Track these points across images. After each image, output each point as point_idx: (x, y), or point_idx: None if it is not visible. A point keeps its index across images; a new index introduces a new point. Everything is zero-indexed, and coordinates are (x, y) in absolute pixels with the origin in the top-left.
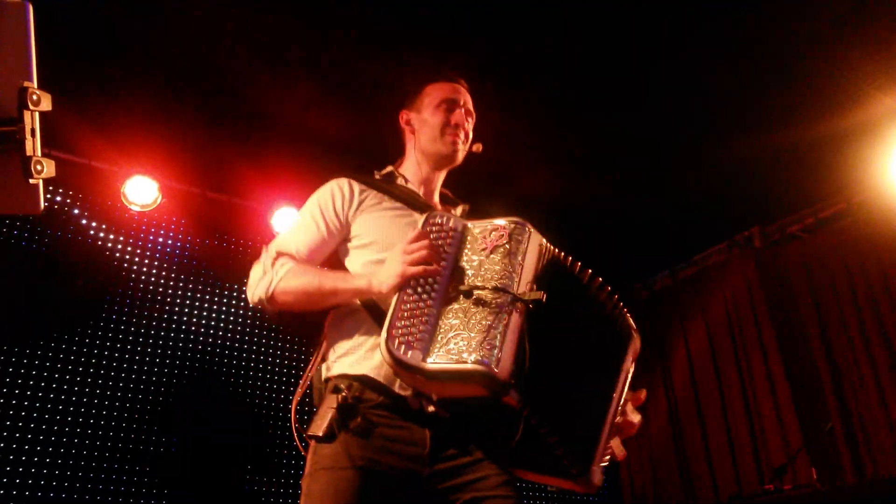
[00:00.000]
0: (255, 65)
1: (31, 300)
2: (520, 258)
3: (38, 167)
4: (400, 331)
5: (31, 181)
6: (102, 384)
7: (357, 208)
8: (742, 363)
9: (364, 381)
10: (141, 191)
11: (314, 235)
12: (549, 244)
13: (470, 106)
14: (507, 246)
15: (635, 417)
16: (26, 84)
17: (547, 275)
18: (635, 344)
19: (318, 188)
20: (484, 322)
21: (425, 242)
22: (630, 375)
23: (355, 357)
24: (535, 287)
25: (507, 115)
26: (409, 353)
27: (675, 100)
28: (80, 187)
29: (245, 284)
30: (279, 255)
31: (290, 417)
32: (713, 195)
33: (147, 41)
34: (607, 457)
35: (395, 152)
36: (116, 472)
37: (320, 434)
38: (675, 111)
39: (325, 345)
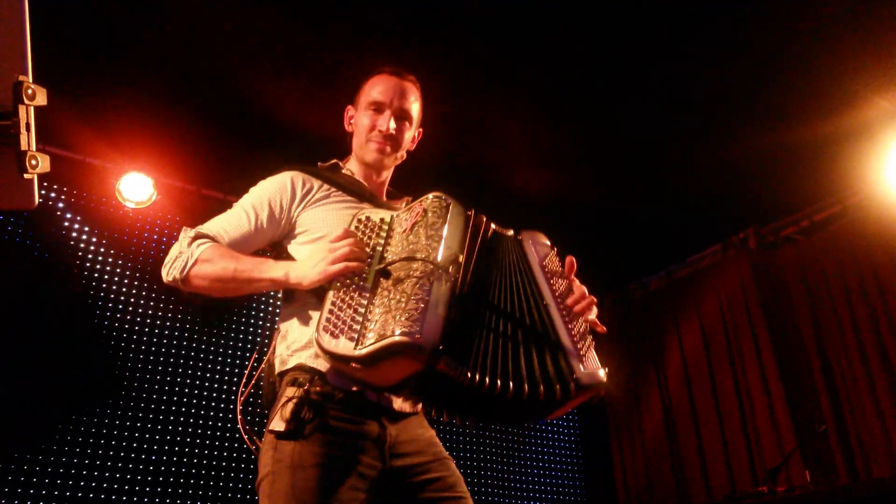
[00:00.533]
0: (251, 62)
1: (23, 297)
2: (438, 228)
3: (33, 162)
4: (328, 324)
5: (25, 176)
6: (98, 380)
7: (301, 203)
8: (736, 364)
9: (322, 376)
10: (136, 187)
11: (243, 226)
12: (472, 212)
13: (407, 106)
14: (425, 219)
15: (577, 288)
16: (21, 78)
17: (476, 244)
18: (525, 241)
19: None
20: (404, 295)
21: (350, 240)
22: (548, 264)
23: (311, 351)
24: (461, 253)
25: (501, 114)
26: (339, 343)
27: (670, 101)
28: (74, 184)
29: None
30: (198, 235)
31: (237, 416)
32: (708, 196)
33: (143, 37)
34: (590, 347)
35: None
36: (110, 471)
37: (282, 429)
38: (671, 112)
39: (277, 338)
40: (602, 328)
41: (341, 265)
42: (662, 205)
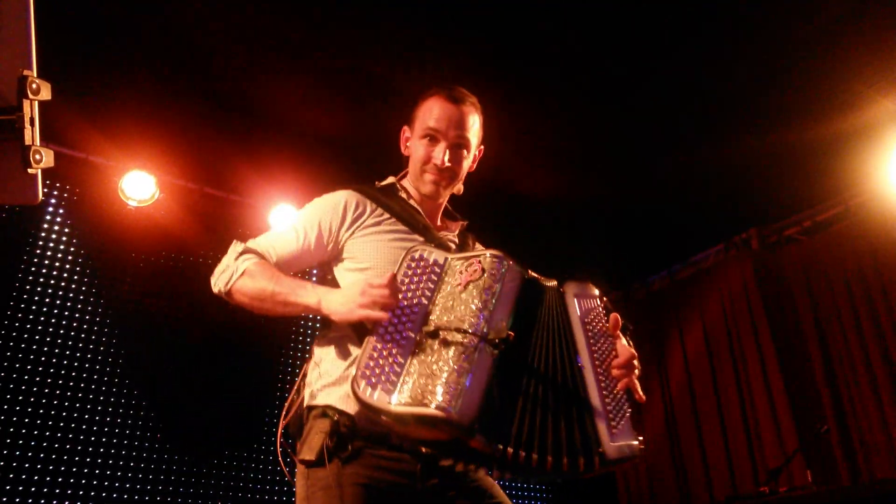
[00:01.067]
0: (254, 61)
1: (25, 292)
2: (493, 294)
3: (38, 157)
4: (367, 371)
5: (29, 171)
6: (98, 379)
7: (350, 227)
8: (739, 364)
9: (352, 419)
10: (138, 186)
11: (290, 245)
12: (529, 274)
13: (465, 135)
14: (481, 281)
15: (622, 349)
16: (26, 72)
17: (522, 307)
18: (566, 294)
19: (321, 194)
20: (450, 364)
21: (383, 291)
22: (593, 320)
23: (342, 390)
24: (509, 323)
25: (505, 114)
26: (375, 394)
27: (674, 101)
28: (77, 181)
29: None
30: (246, 251)
31: (276, 440)
32: (711, 197)
33: (147, 35)
34: (624, 417)
35: (395, 151)
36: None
37: (313, 458)
38: (675, 113)
39: (309, 364)
40: (641, 396)
41: (366, 313)
42: (665, 204)
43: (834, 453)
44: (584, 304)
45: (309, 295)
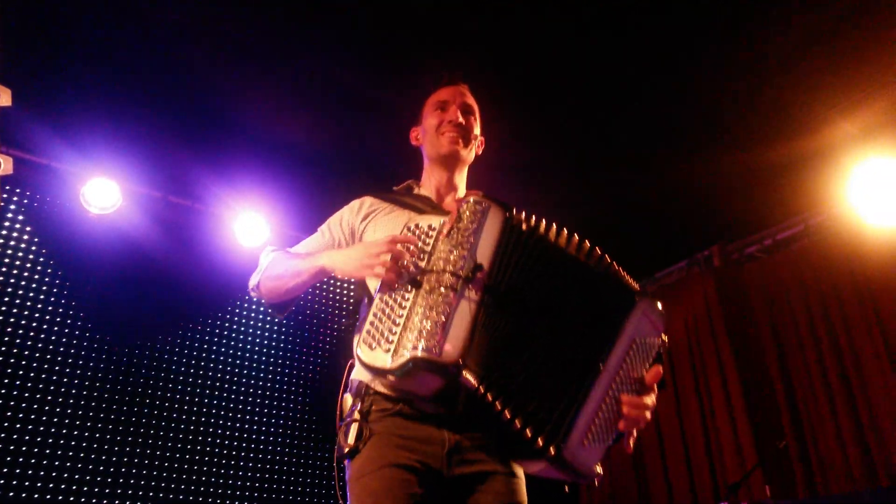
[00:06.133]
0: (221, 70)
1: None
2: (471, 233)
3: None
4: (367, 335)
5: None
6: (55, 388)
7: (364, 219)
8: (700, 380)
9: (369, 390)
10: (101, 193)
11: (317, 240)
12: (510, 213)
13: (470, 101)
14: (460, 223)
15: (647, 399)
16: None
17: (510, 247)
18: (640, 306)
19: (287, 204)
20: (430, 309)
21: (387, 247)
22: (642, 346)
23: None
24: (494, 262)
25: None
26: (376, 354)
27: (638, 121)
28: (38, 187)
29: (208, 292)
30: (277, 249)
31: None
32: (675, 214)
33: (112, 43)
34: (603, 442)
35: (362, 161)
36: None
37: (346, 450)
38: (639, 132)
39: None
40: (629, 447)
41: (373, 270)
42: (629, 221)
43: (793, 468)
44: (646, 325)
45: (316, 259)
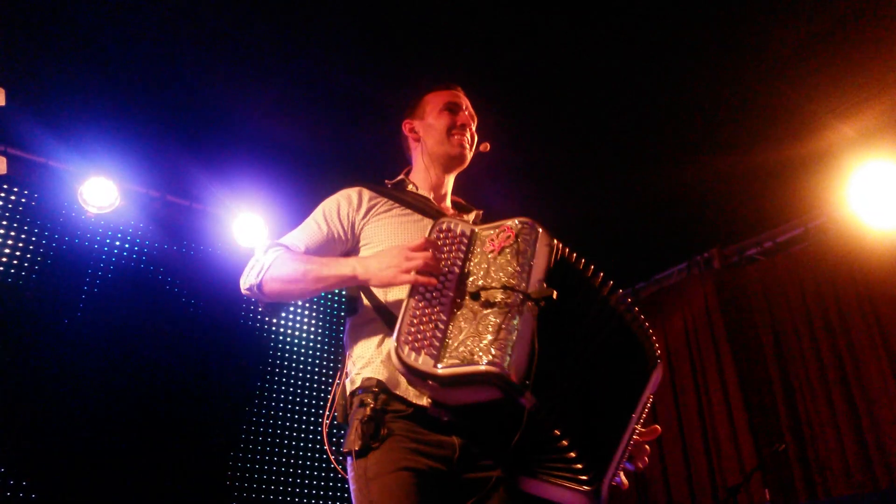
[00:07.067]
0: (219, 70)
1: None
2: (528, 257)
3: None
4: (409, 337)
5: None
6: (52, 388)
7: (366, 215)
8: (699, 382)
9: (385, 389)
10: (99, 192)
11: (315, 235)
12: (559, 242)
13: (471, 109)
14: (515, 245)
15: (647, 445)
16: None
17: (557, 273)
18: (658, 373)
19: (284, 204)
20: (494, 322)
21: (426, 253)
22: (647, 401)
23: (373, 366)
24: (545, 285)
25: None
26: (420, 358)
27: (638, 123)
28: (35, 187)
29: (206, 291)
30: (273, 245)
31: (323, 439)
32: (675, 216)
33: (110, 42)
34: (617, 476)
35: (358, 162)
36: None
37: (356, 449)
38: (639, 134)
39: (347, 361)
40: (625, 484)
41: (412, 276)
42: (629, 224)
43: (792, 471)
44: (655, 384)
45: (342, 266)
